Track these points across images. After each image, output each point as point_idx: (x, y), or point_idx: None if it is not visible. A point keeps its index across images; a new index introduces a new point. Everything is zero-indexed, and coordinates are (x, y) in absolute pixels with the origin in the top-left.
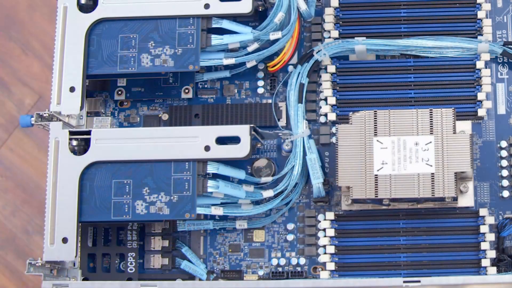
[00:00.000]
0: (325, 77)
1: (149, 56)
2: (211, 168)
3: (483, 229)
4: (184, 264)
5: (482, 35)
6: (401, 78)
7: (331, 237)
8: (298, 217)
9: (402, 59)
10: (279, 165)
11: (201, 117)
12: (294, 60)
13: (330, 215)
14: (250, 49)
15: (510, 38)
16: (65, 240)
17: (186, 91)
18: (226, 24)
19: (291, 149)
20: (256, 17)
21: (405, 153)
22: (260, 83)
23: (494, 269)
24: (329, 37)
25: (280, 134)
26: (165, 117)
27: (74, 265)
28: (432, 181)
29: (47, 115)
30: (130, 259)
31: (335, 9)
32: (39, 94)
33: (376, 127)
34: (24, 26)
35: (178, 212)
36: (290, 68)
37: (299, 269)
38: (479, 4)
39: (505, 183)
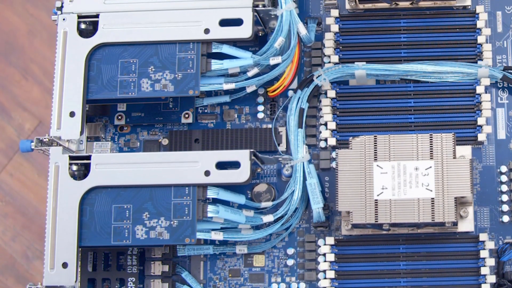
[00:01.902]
0: (325, 102)
1: (149, 81)
2: (211, 193)
3: (483, 254)
4: None
5: (482, 60)
6: (401, 103)
7: (331, 262)
8: (298, 242)
9: (402, 84)
10: (279, 190)
11: (201, 142)
12: (294, 85)
13: (330, 240)
14: (250, 74)
15: (510, 63)
16: (65, 265)
17: (186, 116)
18: (226, 49)
19: (291, 174)
20: (256, 42)
21: (405, 178)
22: (260, 108)
23: None
24: (329, 62)
25: (280, 159)
26: (165, 142)
27: None
28: (432, 206)
29: (47, 140)
30: (130, 284)
31: (335, 34)
32: (39, 119)
33: (376, 152)
34: (24, 51)
35: (178, 237)
36: (290, 93)
37: None
38: (479, 29)
39: (505, 208)
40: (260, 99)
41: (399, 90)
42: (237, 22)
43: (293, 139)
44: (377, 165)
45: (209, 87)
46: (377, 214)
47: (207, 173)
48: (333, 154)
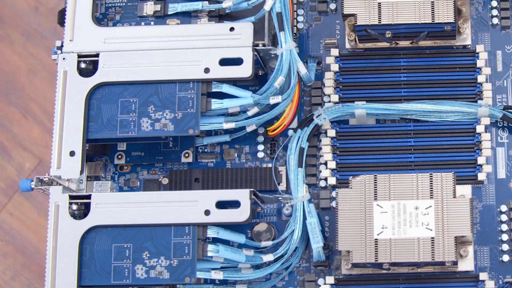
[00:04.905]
0: (325, 141)
1: (149, 120)
2: (211, 232)
3: None
4: None
5: (482, 99)
6: (401, 142)
7: None
8: (298, 281)
9: (402, 123)
10: (279, 229)
11: (201, 181)
12: (294, 124)
13: (330, 279)
14: (250, 113)
15: (510, 102)
16: None
17: (186, 155)
18: (226, 88)
19: (291, 213)
20: (256, 81)
21: (405, 217)
22: (260, 147)
23: None
24: (329, 101)
25: (280, 198)
26: (165, 181)
27: None
28: (432, 245)
29: (47, 179)
30: None
31: (335, 73)
32: (39, 159)
33: (376, 191)
34: (24, 90)
35: (178, 276)
36: (290, 132)
37: None
38: (479, 68)
39: (505, 247)
40: (260, 139)
41: (399, 130)
42: (237, 61)
43: (293, 178)
44: (377, 205)
45: (209, 126)
46: (377, 254)
47: (207, 213)
48: (333, 194)
